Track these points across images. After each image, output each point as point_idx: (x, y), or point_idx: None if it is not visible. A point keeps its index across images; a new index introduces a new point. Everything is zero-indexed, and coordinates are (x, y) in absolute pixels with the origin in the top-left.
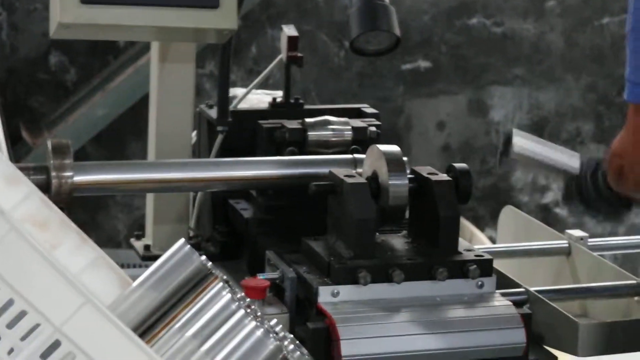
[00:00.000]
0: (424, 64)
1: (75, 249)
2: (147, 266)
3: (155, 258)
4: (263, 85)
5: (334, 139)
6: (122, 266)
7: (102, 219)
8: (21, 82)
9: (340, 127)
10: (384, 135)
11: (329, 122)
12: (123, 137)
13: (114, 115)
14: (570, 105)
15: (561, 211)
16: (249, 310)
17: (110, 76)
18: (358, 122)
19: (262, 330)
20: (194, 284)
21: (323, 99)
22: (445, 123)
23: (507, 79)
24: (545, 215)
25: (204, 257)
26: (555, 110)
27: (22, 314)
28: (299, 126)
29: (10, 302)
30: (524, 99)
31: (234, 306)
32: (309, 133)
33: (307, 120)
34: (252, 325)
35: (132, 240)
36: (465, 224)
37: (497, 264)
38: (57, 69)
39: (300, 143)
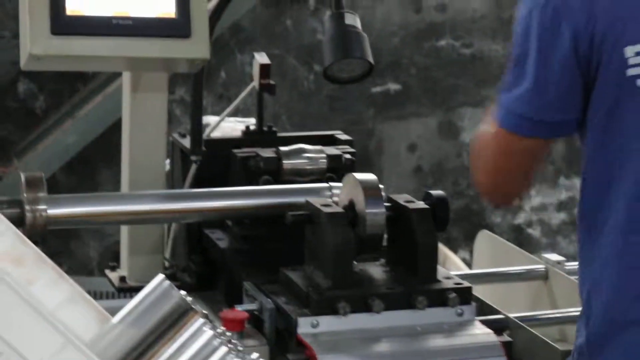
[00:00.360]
0: (393, 86)
1: (51, 284)
2: (123, 297)
3: (131, 290)
4: (234, 112)
5: (309, 167)
6: (95, 295)
7: (74, 246)
8: None
9: (315, 155)
10: (356, 158)
11: (303, 151)
12: (94, 165)
13: (84, 143)
14: None
15: (534, 232)
16: (230, 346)
17: (79, 103)
18: (332, 150)
19: None
20: (174, 320)
21: (293, 123)
22: (416, 145)
23: (477, 100)
24: (518, 235)
25: (183, 293)
26: None
27: None
28: (274, 155)
29: None
30: None
31: (216, 342)
32: (284, 162)
33: (282, 148)
34: None
35: (107, 271)
36: (439, 246)
37: (475, 290)
38: (26, 97)
39: (275, 172)
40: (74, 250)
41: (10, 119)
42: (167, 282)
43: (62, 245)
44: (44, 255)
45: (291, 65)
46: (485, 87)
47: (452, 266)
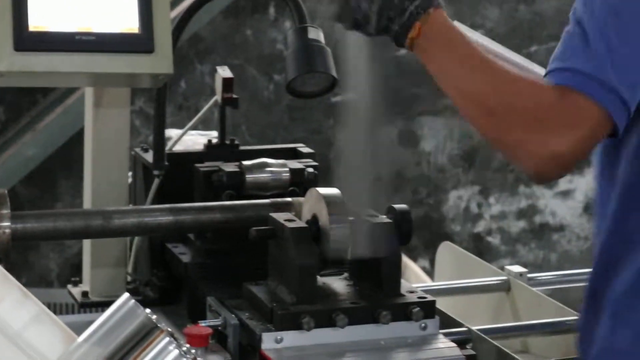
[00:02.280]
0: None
1: (17, 304)
2: (85, 312)
3: (93, 305)
4: (195, 125)
5: (271, 181)
6: (56, 308)
7: (33, 258)
8: None
9: (277, 169)
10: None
11: (266, 165)
12: (54, 176)
13: (45, 155)
14: None
15: (493, 240)
16: None
17: (39, 115)
18: (295, 164)
19: None
20: (140, 339)
21: (253, 133)
22: None
23: (437, 109)
24: (478, 244)
25: (148, 311)
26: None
27: None
28: (236, 169)
29: None
30: (454, 128)
31: None
32: (247, 176)
33: (245, 162)
34: None
35: (69, 286)
36: None
37: (437, 302)
38: None
39: (237, 186)
40: (32, 262)
41: None
42: (133, 301)
43: (20, 257)
44: (8, 274)
45: (251, 76)
46: (445, 96)
47: (412, 275)
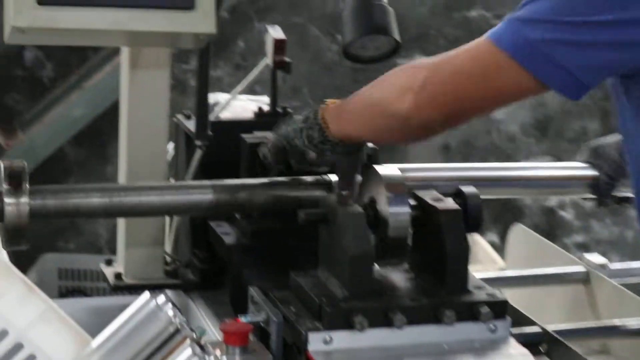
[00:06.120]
0: (421, 58)
1: (21, 300)
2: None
3: (127, 288)
4: (248, 89)
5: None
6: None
7: (81, 222)
8: None
9: None
10: None
11: None
12: (103, 137)
13: (93, 115)
14: (575, 103)
15: (566, 214)
16: None
17: (88, 73)
18: None
19: None
20: (160, 345)
21: (315, 96)
22: None
23: None
24: (550, 218)
25: (171, 313)
26: (560, 108)
27: None
28: None
29: None
30: None
31: None
32: None
33: None
34: None
35: (102, 265)
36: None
37: (507, 293)
38: (33, 65)
39: (287, 161)
40: (81, 227)
41: (16, 88)
42: (154, 302)
43: (68, 222)
44: (12, 266)
45: (313, 35)
46: None
47: (480, 251)
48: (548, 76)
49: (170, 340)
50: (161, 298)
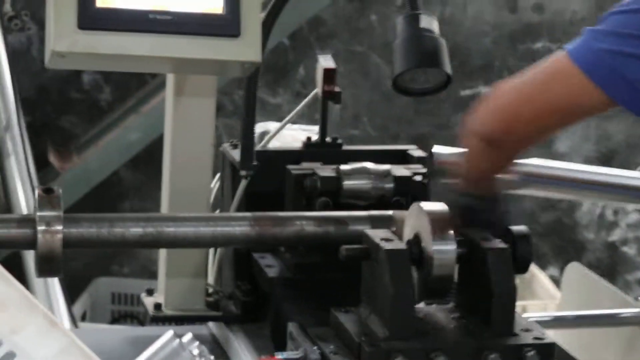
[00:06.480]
0: (485, 90)
1: (41, 334)
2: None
3: (166, 319)
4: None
5: (372, 190)
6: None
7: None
8: (51, 101)
9: (380, 175)
10: None
11: (367, 170)
12: (159, 162)
13: (149, 140)
14: None
15: (629, 250)
16: None
17: (146, 97)
18: (402, 170)
19: None
20: None
21: (375, 125)
22: None
23: None
24: (612, 254)
25: (196, 352)
26: (625, 141)
27: None
28: (333, 174)
29: None
30: (591, 129)
31: None
32: (344, 182)
33: (343, 167)
34: None
35: (143, 295)
36: None
37: (560, 334)
38: (91, 88)
39: (333, 194)
40: (135, 251)
41: (73, 110)
42: (177, 341)
43: None
44: (32, 297)
45: (374, 63)
46: None
47: (539, 285)
48: (612, 88)
49: None
50: (188, 336)
